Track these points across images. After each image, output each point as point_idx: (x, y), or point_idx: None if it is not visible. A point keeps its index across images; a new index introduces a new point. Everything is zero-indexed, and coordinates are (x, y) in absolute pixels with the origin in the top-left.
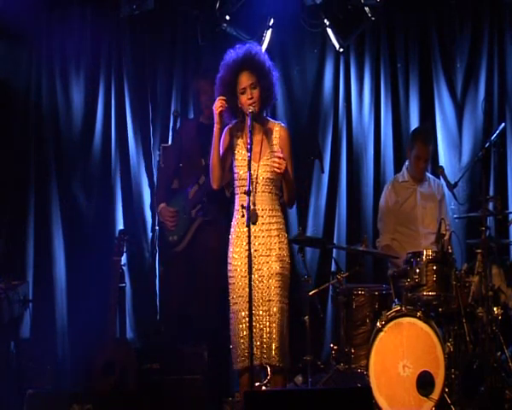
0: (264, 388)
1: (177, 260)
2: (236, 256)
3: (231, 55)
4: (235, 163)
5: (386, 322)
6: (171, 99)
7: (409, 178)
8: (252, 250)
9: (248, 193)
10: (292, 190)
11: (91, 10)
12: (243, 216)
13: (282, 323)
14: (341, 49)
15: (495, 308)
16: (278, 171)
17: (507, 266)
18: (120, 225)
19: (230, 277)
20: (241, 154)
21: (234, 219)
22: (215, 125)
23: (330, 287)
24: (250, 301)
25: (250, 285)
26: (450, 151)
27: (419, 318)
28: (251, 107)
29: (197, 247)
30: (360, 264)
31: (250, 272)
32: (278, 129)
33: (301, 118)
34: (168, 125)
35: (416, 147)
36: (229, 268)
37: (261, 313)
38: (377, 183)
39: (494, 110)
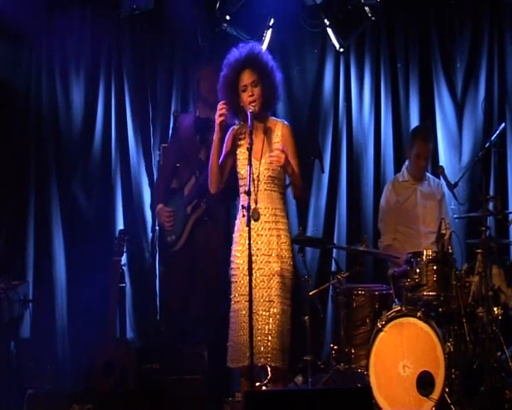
0: (264, 388)
1: (176, 259)
2: (239, 255)
3: (234, 53)
4: (238, 163)
5: (387, 322)
6: (171, 99)
7: (409, 178)
8: (254, 249)
9: (248, 193)
10: (299, 185)
11: (91, 10)
12: (244, 216)
13: (283, 324)
14: (341, 49)
15: (495, 308)
16: (277, 164)
17: (507, 266)
18: (120, 225)
19: (233, 275)
20: (243, 153)
21: (237, 218)
22: (215, 134)
23: (330, 287)
24: (250, 302)
25: (250, 285)
26: (451, 151)
27: (419, 318)
28: (251, 106)
29: (195, 244)
30: (360, 264)
31: (250, 272)
32: (280, 127)
33: (301, 118)
34: (168, 125)
35: (416, 145)
36: (231, 266)
37: (261, 312)
38: (377, 183)
39: (494, 110)
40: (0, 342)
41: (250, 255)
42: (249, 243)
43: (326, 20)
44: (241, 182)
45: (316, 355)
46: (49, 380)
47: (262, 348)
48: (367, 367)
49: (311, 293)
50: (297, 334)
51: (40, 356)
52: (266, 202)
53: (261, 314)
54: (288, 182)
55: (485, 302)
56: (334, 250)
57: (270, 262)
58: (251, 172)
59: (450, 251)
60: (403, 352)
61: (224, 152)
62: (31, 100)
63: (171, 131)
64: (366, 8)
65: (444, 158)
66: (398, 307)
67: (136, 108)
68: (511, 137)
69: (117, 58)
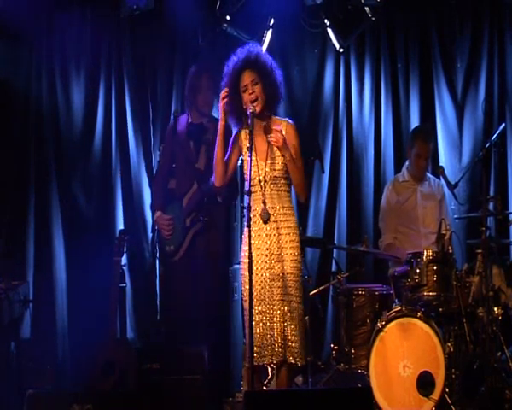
0: (264, 388)
1: (175, 266)
2: (247, 254)
3: (233, 59)
4: (244, 164)
5: (387, 322)
6: (171, 99)
7: (409, 178)
8: (264, 249)
9: (249, 193)
10: (300, 180)
11: (91, 10)
12: (254, 216)
13: (295, 322)
14: (341, 50)
15: (495, 308)
16: (275, 144)
17: (507, 266)
18: (120, 225)
19: (241, 275)
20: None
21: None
22: (219, 121)
23: (331, 287)
24: (250, 302)
25: (250, 285)
26: (451, 151)
27: (419, 318)
28: (252, 106)
29: (195, 252)
30: (360, 264)
31: (250, 272)
32: (285, 125)
33: (301, 118)
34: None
35: (416, 145)
36: (241, 266)
37: (273, 312)
38: (377, 183)
39: (494, 110)
40: (0, 343)
41: (250, 256)
42: (249, 243)
43: (326, 20)
44: (246, 183)
45: (316, 355)
46: (49, 380)
47: (271, 347)
48: (367, 367)
49: (311, 293)
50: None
51: (40, 356)
52: (274, 201)
53: (273, 314)
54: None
55: (486, 302)
56: (335, 250)
57: (279, 262)
58: (252, 172)
59: (450, 251)
60: (403, 352)
61: (229, 150)
62: (31, 100)
63: (168, 131)
64: (366, 8)
65: (444, 158)
66: (399, 308)
67: (136, 108)
68: (511, 137)
69: (117, 58)
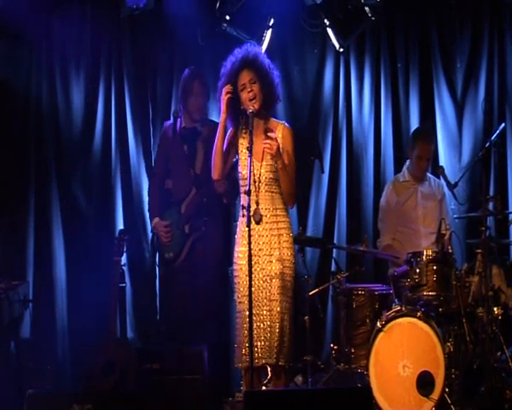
0: (264, 388)
1: (175, 272)
2: (241, 255)
3: (231, 59)
4: (239, 163)
5: (387, 322)
6: (171, 99)
7: (409, 178)
8: (256, 250)
9: (248, 193)
10: (289, 189)
11: (91, 10)
12: (244, 216)
13: (285, 323)
14: (341, 49)
15: (495, 308)
16: (269, 151)
17: (507, 266)
18: (120, 225)
19: (235, 276)
20: (244, 154)
21: (239, 219)
22: (221, 114)
23: (330, 287)
24: (250, 302)
25: (250, 285)
26: (451, 151)
27: (419, 318)
28: (251, 105)
29: (194, 260)
30: (360, 264)
31: (250, 272)
32: (281, 129)
33: (301, 118)
34: None
35: (417, 146)
36: (234, 268)
37: (265, 312)
38: (377, 183)
39: (494, 110)
40: (0, 343)
41: (250, 255)
42: (249, 243)
43: (326, 20)
44: (242, 182)
45: (316, 355)
46: (49, 380)
47: (266, 348)
48: (367, 367)
49: (311, 293)
50: (297, 334)
51: (40, 356)
52: (267, 203)
53: (264, 314)
54: None
55: (485, 302)
56: (334, 250)
57: (271, 262)
58: (251, 173)
59: (450, 251)
60: (403, 352)
61: (225, 143)
62: (31, 100)
63: (164, 131)
64: (366, 8)
65: (444, 158)
66: (398, 307)
67: (136, 108)
68: (511, 137)
69: (117, 58)
